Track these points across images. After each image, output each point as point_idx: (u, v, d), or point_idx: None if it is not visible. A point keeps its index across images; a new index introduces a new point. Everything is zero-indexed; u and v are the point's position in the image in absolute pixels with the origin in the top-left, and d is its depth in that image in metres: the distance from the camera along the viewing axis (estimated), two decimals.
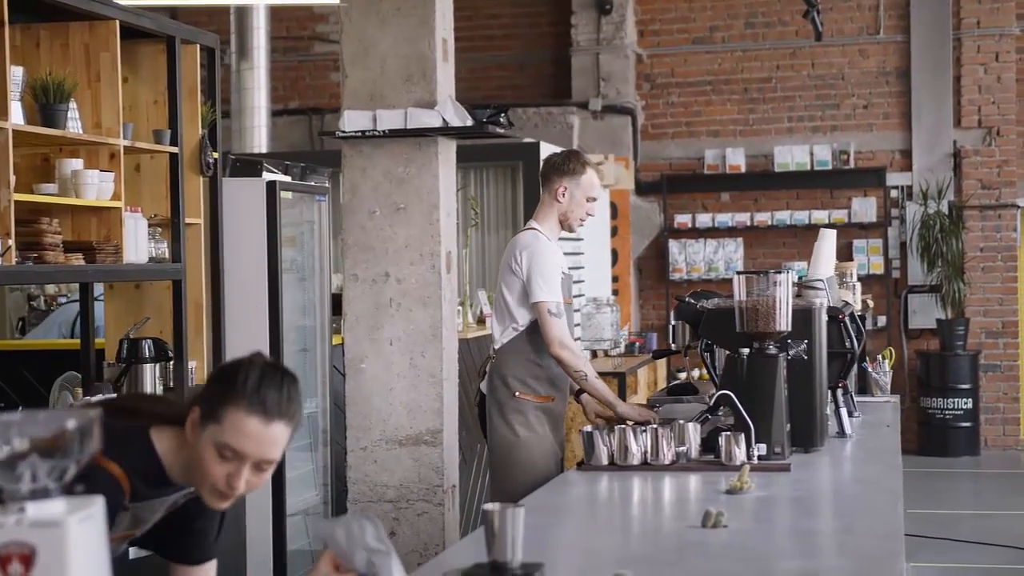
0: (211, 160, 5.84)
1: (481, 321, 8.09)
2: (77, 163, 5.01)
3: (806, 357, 4.51)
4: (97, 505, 1.80)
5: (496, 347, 5.25)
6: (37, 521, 1.73)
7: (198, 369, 5.82)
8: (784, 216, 12.65)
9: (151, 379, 5.38)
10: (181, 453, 2.64)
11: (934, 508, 9.91)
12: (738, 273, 4.45)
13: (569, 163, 5.27)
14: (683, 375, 12.17)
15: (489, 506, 2.71)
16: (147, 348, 5.38)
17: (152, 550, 2.90)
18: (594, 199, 5.30)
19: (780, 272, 4.40)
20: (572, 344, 5.09)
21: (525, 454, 5.10)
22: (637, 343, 10.93)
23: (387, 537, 2.54)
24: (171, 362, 5.53)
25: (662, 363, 11.08)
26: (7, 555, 1.71)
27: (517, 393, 5.15)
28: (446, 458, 5.68)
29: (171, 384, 5.57)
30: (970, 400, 12.16)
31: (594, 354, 10.22)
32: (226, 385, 2.56)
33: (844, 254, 12.27)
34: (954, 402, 12.14)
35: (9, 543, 1.71)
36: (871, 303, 9.83)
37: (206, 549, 2.90)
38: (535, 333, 5.15)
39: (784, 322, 4.37)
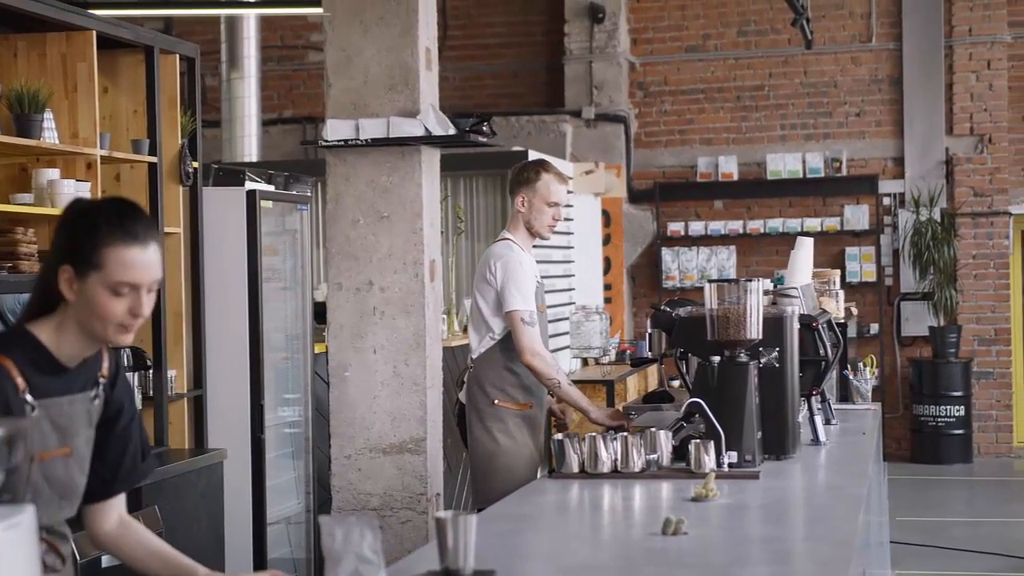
0: (191, 170, 5.86)
1: (467, 329, 8.10)
2: (53, 173, 5.03)
3: (777, 365, 4.52)
4: (26, 514, 1.81)
5: (473, 356, 5.34)
6: None
7: (177, 378, 5.83)
8: (777, 224, 12.66)
9: None
10: (65, 328, 2.68)
11: (926, 516, 9.91)
12: (709, 281, 4.46)
13: (524, 172, 5.40)
14: (676, 383, 12.17)
15: (441, 514, 2.73)
16: (126, 357, 5.39)
17: (93, 497, 2.88)
18: (555, 204, 5.36)
19: (751, 280, 4.41)
20: (544, 352, 5.14)
21: (504, 461, 5.16)
22: (628, 351, 10.93)
23: (381, 550, 2.56)
24: (150, 371, 5.55)
25: (653, 371, 11.08)
26: None
27: (496, 401, 5.23)
28: (430, 466, 5.69)
29: (151, 393, 5.59)
30: (963, 407, 12.15)
31: (584, 362, 10.23)
32: (90, 233, 2.64)
33: (836, 262, 12.29)
34: (947, 409, 12.13)
35: None
36: (855, 311, 9.82)
37: (135, 471, 2.89)
38: (511, 342, 5.20)
39: (755, 330, 4.38)
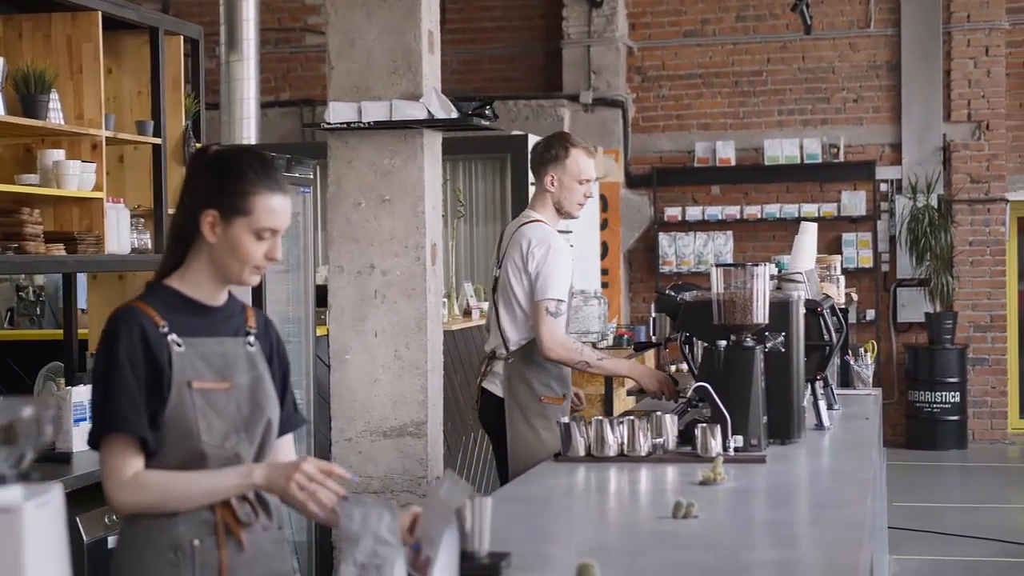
0: (194, 151, 5.86)
1: (467, 313, 8.11)
2: (59, 154, 5.02)
3: (783, 349, 4.52)
4: (55, 492, 1.81)
5: (511, 347, 5.11)
6: None
7: None
8: (774, 209, 12.67)
9: None
10: (196, 272, 2.84)
11: (921, 501, 9.95)
12: (716, 265, 4.46)
13: (551, 149, 5.17)
14: (673, 368, 12.19)
15: None
16: None
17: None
18: (586, 180, 5.16)
19: (758, 265, 4.41)
20: (565, 340, 4.97)
21: (548, 456, 4.99)
22: (626, 336, 10.94)
23: (398, 531, 2.57)
24: None
25: (651, 355, 11.10)
26: None
27: (543, 398, 5.07)
28: (430, 450, 5.69)
29: None
30: (958, 394, 12.19)
31: None
32: (236, 183, 2.80)
33: (833, 247, 12.30)
34: (942, 395, 12.17)
35: None
36: (855, 296, 9.85)
37: (291, 418, 3.02)
38: None
39: (761, 314, 4.39)
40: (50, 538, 1.79)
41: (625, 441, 4.25)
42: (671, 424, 4.35)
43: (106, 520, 4.43)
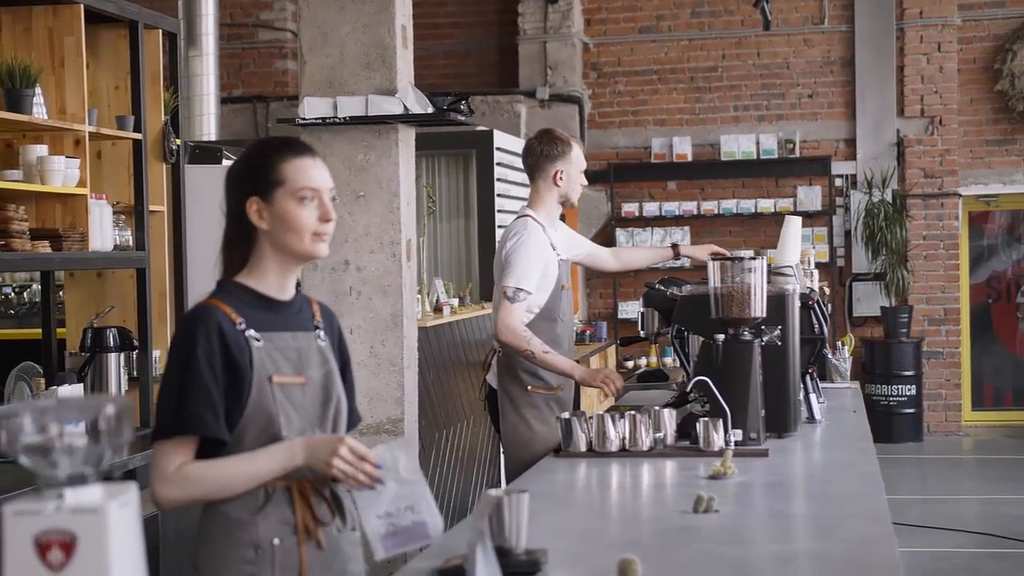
0: (174, 147, 5.78)
1: (438, 309, 8.07)
2: (42, 149, 4.93)
3: (780, 343, 4.52)
4: (132, 492, 1.78)
5: (502, 340, 5.09)
6: (77, 508, 1.71)
7: (162, 358, 5.75)
8: (731, 205, 12.72)
9: (115, 368, 5.31)
10: (262, 264, 2.84)
11: None
12: (713, 259, 4.46)
13: (556, 147, 5.23)
14: (630, 363, 12.22)
15: (494, 492, 2.71)
16: (111, 337, 5.31)
17: None
18: (583, 170, 5.34)
19: (755, 258, 4.42)
20: (517, 327, 4.99)
21: (541, 447, 4.94)
22: (587, 332, 10.97)
23: (419, 467, 2.55)
24: (135, 351, 5.46)
25: (611, 351, 11.12)
26: (47, 542, 1.69)
27: (530, 387, 5.10)
28: None
29: (135, 374, 5.51)
30: (913, 387, 12.30)
31: None
32: (263, 161, 2.84)
33: None
34: (898, 388, 12.28)
35: (49, 530, 1.69)
36: (827, 289, 9.93)
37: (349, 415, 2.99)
38: (540, 324, 5.06)
39: (759, 308, 4.39)
40: (130, 537, 1.75)
41: (627, 436, 4.24)
42: (669, 419, 4.34)
43: None
